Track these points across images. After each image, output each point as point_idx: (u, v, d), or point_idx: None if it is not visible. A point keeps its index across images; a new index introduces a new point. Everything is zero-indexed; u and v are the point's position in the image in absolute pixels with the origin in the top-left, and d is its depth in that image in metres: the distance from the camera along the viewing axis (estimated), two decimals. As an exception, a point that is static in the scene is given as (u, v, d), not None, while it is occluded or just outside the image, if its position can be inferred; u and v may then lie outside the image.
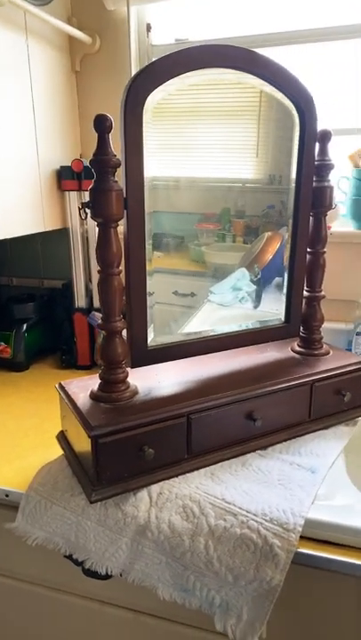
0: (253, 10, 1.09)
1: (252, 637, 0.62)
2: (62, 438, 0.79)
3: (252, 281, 0.88)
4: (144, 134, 0.65)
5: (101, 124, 0.62)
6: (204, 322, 0.83)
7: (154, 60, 0.64)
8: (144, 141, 0.65)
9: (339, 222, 1.08)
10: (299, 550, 0.61)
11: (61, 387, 0.76)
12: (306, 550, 0.62)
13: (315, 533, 0.63)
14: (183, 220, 0.83)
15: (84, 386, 0.75)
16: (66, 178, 1.12)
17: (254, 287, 0.89)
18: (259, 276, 0.89)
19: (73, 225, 1.15)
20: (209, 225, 0.85)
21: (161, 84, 0.64)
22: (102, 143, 0.63)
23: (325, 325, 1.05)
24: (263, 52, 0.97)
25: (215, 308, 0.88)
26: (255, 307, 0.89)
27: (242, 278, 0.91)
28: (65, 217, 1.16)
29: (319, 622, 0.66)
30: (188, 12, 1.13)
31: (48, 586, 0.80)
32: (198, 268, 0.88)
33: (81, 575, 0.71)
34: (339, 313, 1.06)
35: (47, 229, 1.11)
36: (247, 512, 0.63)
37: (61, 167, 1.12)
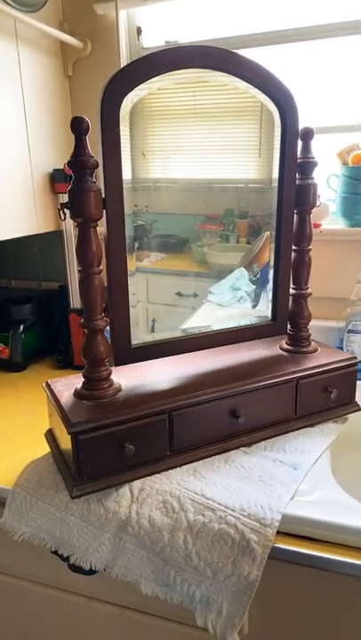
0: (242, 11, 1.10)
1: (232, 633, 0.62)
2: (50, 436, 0.80)
3: (251, 280, 0.89)
4: (123, 135, 0.66)
5: (78, 126, 0.64)
6: (200, 322, 0.84)
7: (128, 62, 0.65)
8: (123, 142, 0.66)
9: (329, 220, 1.08)
10: (277, 546, 0.62)
11: (48, 385, 0.77)
12: (284, 546, 0.62)
13: (293, 529, 0.63)
14: (187, 222, 0.84)
15: (69, 384, 0.76)
16: (59, 181, 1.14)
17: (253, 287, 0.89)
18: (258, 276, 0.89)
19: (67, 227, 1.17)
20: (211, 226, 0.86)
21: (136, 85, 0.65)
22: (80, 144, 0.64)
23: (317, 323, 1.05)
24: (253, 51, 0.99)
25: (214, 308, 0.89)
26: (254, 306, 0.89)
27: (241, 278, 0.92)
28: (58, 219, 1.17)
29: (300, 618, 0.66)
30: (178, 15, 1.14)
31: (37, 581, 0.81)
32: (201, 269, 0.89)
33: (68, 571, 0.72)
34: (330, 311, 1.06)
35: (41, 232, 1.13)
36: (225, 507, 0.64)
37: (54, 170, 1.14)
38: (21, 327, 1.22)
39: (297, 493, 0.67)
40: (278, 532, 0.62)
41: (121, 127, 0.66)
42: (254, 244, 0.89)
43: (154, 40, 1.17)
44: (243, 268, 0.89)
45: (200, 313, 0.88)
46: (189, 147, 0.79)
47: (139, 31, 1.16)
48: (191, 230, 0.84)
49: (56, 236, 1.20)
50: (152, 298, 0.85)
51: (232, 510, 0.63)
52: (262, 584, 0.62)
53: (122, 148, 0.66)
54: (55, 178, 1.14)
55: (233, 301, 0.91)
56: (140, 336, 0.76)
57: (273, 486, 0.67)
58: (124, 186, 0.67)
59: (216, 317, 0.86)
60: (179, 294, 0.88)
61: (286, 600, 0.66)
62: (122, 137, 0.66)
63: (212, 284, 0.87)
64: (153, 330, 0.81)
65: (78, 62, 1.18)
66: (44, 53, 1.11)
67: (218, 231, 0.86)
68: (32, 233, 1.11)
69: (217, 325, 0.84)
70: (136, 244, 0.79)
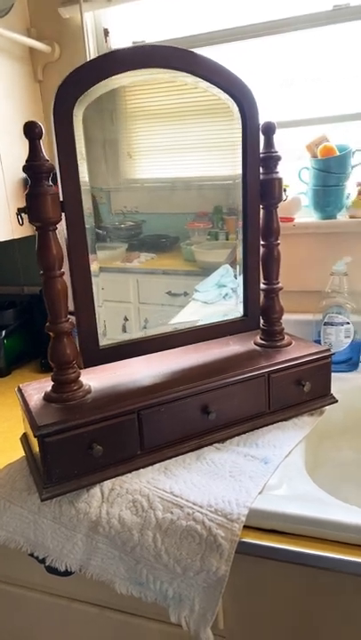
0: (206, 9, 1.10)
1: (205, 628, 0.63)
2: (24, 440, 0.81)
3: (235, 277, 0.89)
4: (77, 137, 0.66)
5: (31, 131, 0.64)
6: (185, 320, 0.84)
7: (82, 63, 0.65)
8: (81, 143, 0.67)
9: (302, 213, 1.08)
10: (246, 540, 0.62)
11: (19, 390, 0.78)
12: (254, 540, 0.62)
13: (263, 523, 0.63)
14: (176, 221, 0.85)
15: (41, 387, 0.77)
16: (33, 186, 1.14)
17: (238, 283, 0.89)
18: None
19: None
20: (200, 224, 0.86)
21: (89, 87, 0.65)
22: (34, 149, 0.64)
23: (295, 317, 1.06)
24: (220, 48, 0.98)
25: (200, 306, 0.89)
26: (237, 302, 0.89)
27: (226, 275, 0.92)
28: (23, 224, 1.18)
29: (274, 612, 0.66)
30: (145, 15, 1.14)
31: (17, 584, 0.82)
32: (191, 268, 0.89)
33: (46, 573, 0.72)
34: (306, 304, 1.06)
35: (16, 237, 1.13)
36: (193, 504, 0.64)
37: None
38: (3, 333, 1.23)
39: (267, 487, 0.67)
40: (249, 527, 0.63)
41: (81, 128, 0.66)
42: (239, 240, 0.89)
43: (122, 41, 1.17)
44: (227, 265, 0.89)
45: (186, 311, 0.88)
46: (175, 146, 0.80)
47: (106, 33, 1.16)
48: (181, 229, 0.85)
49: (35, 240, 1.20)
50: (143, 298, 0.85)
51: (200, 507, 0.64)
52: (236, 578, 0.62)
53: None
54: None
55: (218, 298, 0.92)
56: (115, 335, 0.77)
57: (242, 481, 0.67)
58: (110, 187, 0.68)
59: (201, 315, 0.86)
60: (169, 293, 0.89)
61: (260, 594, 0.66)
62: (79, 138, 0.66)
63: (201, 281, 0.87)
64: (124, 329, 0.82)
65: (48, 66, 1.19)
66: (12, 59, 1.12)
67: (206, 229, 0.86)
68: (7, 238, 1.11)
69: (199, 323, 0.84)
70: (126, 245, 0.80)
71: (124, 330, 0.82)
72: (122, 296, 0.84)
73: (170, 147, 0.80)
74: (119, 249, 0.81)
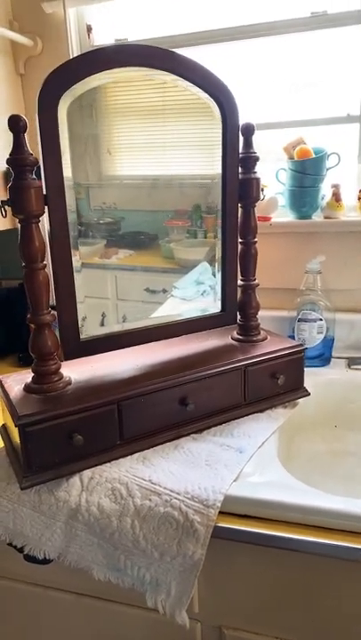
0: (189, 9, 1.12)
1: (180, 611, 0.65)
2: (4, 431, 0.81)
3: (214, 274, 0.91)
4: (61, 131, 0.67)
5: (16, 125, 0.65)
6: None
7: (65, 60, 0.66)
8: (66, 137, 0.68)
9: (278, 213, 1.11)
10: (221, 525, 0.64)
11: (-1, 381, 0.78)
12: (229, 525, 0.65)
13: (238, 509, 0.66)
14: (155, 218, 0.86)
15: (21, 379, 0.77)
16: (13, 179, 1.14)
17: (216, 280, 0.91)
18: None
19: (23, 225, 1.17)
20: (178, 222, 0.88)
21: (73, 84, 0.67)
22: (18, 142, 0.65)
23: (270, 313, 1.09)
24: (202, 49, 1.00)
25: (178, 303, 0.91)
26: (215, 299, 0.91)
27: (204, 272, 0.94)
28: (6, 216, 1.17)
29: (248, 594, 0.69)
30: (128, 13, 1.15)
31: (-5, 574, 0.82)
32: (170, 265, 0.91)
33: (24, 561, 0.73)
34: (283, 301, 1.09)
35: (-4, 230, 1.13)
36: (171, 491, 0.66)
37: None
38: (-19, 326, 1.22)
39: (242, 475, 0.70)
40: (224, 513, 0.65)
41: (65, 124, 0.67)
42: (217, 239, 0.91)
43: (105, 38, 1.18)
44: (206, 263, 0.91)
45: (165, 307, 0.90)
46: (154, 144, 0.81)
47: (89, 29, 1.17)
48: (160, 226, 0.86)
49: (14, 234, 1.20)
50: (121, 294, 0.86)
51: (177, 494, 0.66)
52: (210, 563, 0.64)
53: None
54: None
55: (197, 295, 0.94)
56: (93, 330, 0.78)
57: (218, 470, 0.70)
58: (90, 183, 0.69)
59: (180, 311, 0.88)
60: (148, 290, 0.90)
61: (232, 577, 0.69)
62: (63, 133, 0.68)
63: (179, 279, 0.89)
64: (103, 324, 0.83)
65: (30, 60, 1.18)
66: (-7, 51, 1.11)
67: (185, 227, 0.88)
68: (-13, 231, 1.11)
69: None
70: (103, 241, 0.81)
71: (102, 325, 0.83)
72: (100, 292, 0.85)
73: (149, 144, 0.81)
74: (97, 245, 0.82)
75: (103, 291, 0.86)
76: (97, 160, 0.80)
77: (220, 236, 0.87)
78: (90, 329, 0.78)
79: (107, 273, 0.85)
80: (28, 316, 0.72)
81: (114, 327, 0.81)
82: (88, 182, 0.78)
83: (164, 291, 0.90)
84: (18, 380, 0.77)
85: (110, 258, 0.84)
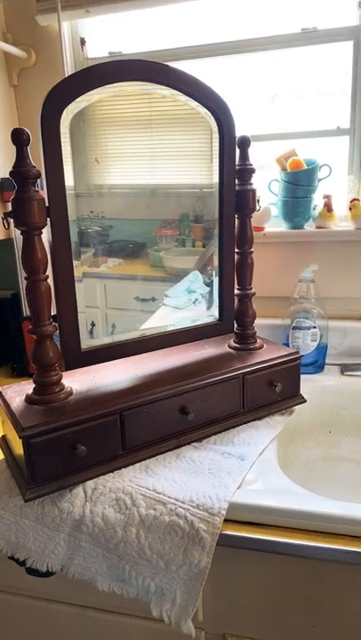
0: (185, 23, 1.14)
1: (186, 620, 0.65)
2: (3, 443, 0.81)
3: (205, 283, 0.92)
4: (65, 145, 0.68)
5: (19, 138, 0.65)
6: (156, 325, 0.86)
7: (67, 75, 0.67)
8: (69, 150, 0.68)
9: (272, 223, 1.13)
10: (226, 533, 0.65)
11: (-1, 392, 0.78)
12: (234, 532, 0.65)
13: (242, 516, 0.66)
14: (144, 227, 0.86)
15: (21, 390, 0.77)
16: (7, 189, 1.14)
17: (208, 289, 0.92)
18: (212, 278, 0.92)
19: (17, 235, 1.17)
20: (167, 230, 0.88)
21: (75, 98, 0.67)
22: (21, 155, 0.66)
23: (265, 321, 1.10)
24: (198, 63, 1.01)
25: (170, 311, 0.91)
26: (208, 307, 0.92)
27: (195, 281, 0.95)
28: (9, 228, 1.17)
29: (252, 602, 0.70)
30: (122, 26, 1.17)
31: (-5, 589, 0.81)
32: (159, 274, 0.92)
33: (26, 575, 0.73)
34: (277, 309, 1.11)
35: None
36: (176, 500, 0.67)
37: (2, 179, 1.14)
38: (-26, 337, 1.21)
39: (244, 482, 0.71)
40: (227, 520, 0.66)
41: (64, 136, 0.68)
42: (208, 248, 0.92)
43: (99, 50, 1.20)
44: (197, 271, 0.92)
45: (157, 316, 0.90)
46: (143, 153, 0.81)
47: (83, 42, 1.18)
48: (148, 235, 0.87)
49: (7, 244, 1.20)
50: (110, 303, 0.86)
51: (182, 502, 0.66)
52: (213, 571, 0.65)
53: (68, 157, 0.68)
54: (4, 187, 1.14)
55: (188, 304, 0.94)
56: (93, 341, 0.78)
57: (221, 477, 0.71)
58: (75, 192, 0.69)
59: (172, 320, 0.89)
60: (137, 299, 0.90)
61: (237, 584, 0.69)
62: (65, 145, 0.68)
63: (169, 287, 0.90)
64: (111, 333, 0.83)
65: (23, 72, 1.19)
66: (-13, 63, 1.12)
67: (174, 236, 0.89)
68: (-19, 242, 1.11)
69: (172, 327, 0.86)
70: (92, 250, 0.81)
71: (91, 335, 0.82)
72: (89, 301, 0.85)
73: (138, 154, 0.81)
74: (86, 254, 0.82)
75: (92, 300, 0.85)
76: (83, 169, 0.80)
77: (217, 245, 0.88)
78: (88, 338, 0.78)
79: (96, 282, 0.85)
80: (30, 327, 0.72)
81: (103, 338, 0.81)
82: (77, 191, 0.78)
83: (154, 299, 0.90)
84: (18, 392, 0.77)
85: (100, 267, 0.85)
